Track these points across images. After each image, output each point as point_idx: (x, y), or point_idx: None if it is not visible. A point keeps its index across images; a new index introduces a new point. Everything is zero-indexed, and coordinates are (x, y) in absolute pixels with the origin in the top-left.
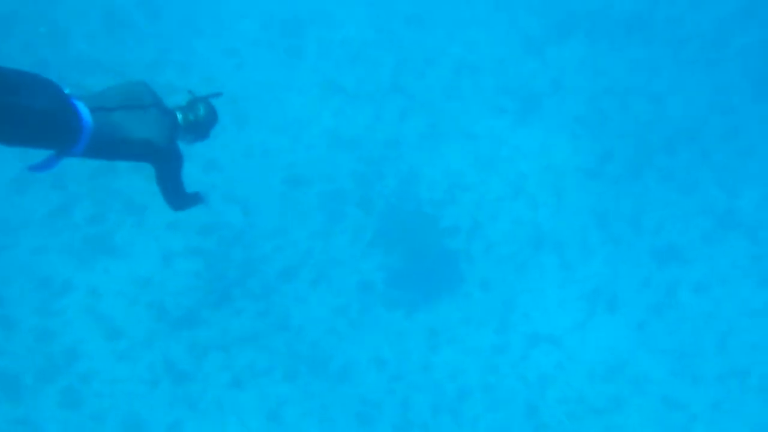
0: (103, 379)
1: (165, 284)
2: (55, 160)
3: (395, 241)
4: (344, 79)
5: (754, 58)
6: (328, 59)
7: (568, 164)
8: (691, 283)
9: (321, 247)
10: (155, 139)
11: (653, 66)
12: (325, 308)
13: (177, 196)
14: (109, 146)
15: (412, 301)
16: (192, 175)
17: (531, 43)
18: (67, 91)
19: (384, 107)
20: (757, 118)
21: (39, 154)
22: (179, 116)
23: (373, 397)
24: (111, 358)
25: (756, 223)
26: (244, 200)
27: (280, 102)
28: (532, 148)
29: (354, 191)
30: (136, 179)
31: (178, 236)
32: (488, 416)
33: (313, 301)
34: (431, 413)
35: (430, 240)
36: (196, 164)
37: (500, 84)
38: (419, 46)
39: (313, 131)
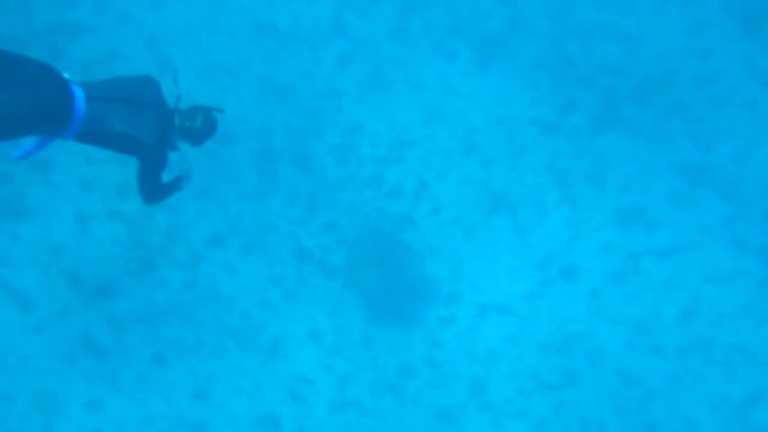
0: (14, 353)
1: (81, 251)
2: (41, 144)
3: (334, 204)
4: (278, 19)
5: None
6: None
7: (525, 116)
8: (655, 249)
9: (253, 211)
10: (143, 137)
11: (623, 2)
12: (257, 278)
13: (152, 191)
14: (97, 136)
15: (351, 270)
16: None
17: None
18: (66, 75)
19: (322, 52)
20: (737, 60)
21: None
22: (176, 120)
23: (308, 373)
24: (22, 332)
25: (729, 179)
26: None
27: (204, 46)
28: (485, 98)
29: (289, 148)
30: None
31: (95, 197)
32: (431, 393)
33: (244, 270)
34: (370, 391)
35: (372, 203)
36: None
37: (452, 25)
38: None
39: (243, 80)
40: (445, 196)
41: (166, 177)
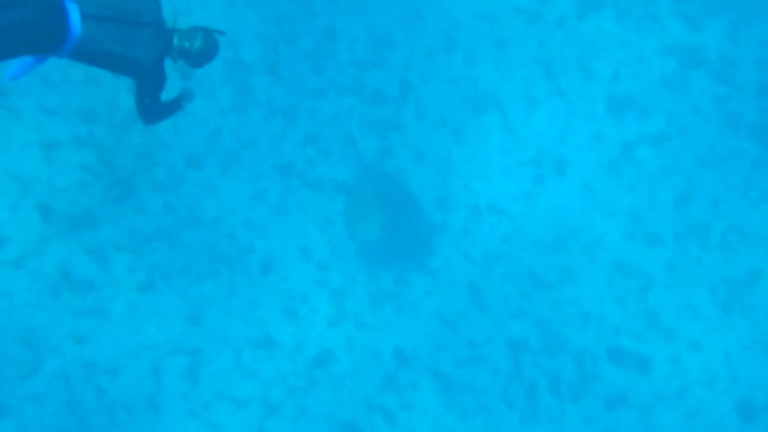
0: None
1: (52, 181)
2: (35, 63)
3: (315, 112)
4: None
5: None
6: None
7: (507, 5)
8: (648, 136)
9: (231, 126)
10: (140, 58)
11: None
12: (241, 195)
13: (151, 112)
14: (93, 55)
15: (338, 181)
16: None
17: None
18: None
19: None
20: None
21: None
22: (175, 40)
23: (303, 289)
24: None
25: (721, 58)
26: None
27: None
28: None
29: (263, 56)
30: None
31: (60, 123)
32: (430, 300)
33: (227, 188)
34: (368, 303)
35: (355, 109)
36: None
37: None
38: None
39: None
40: (430, 97)
41: (165, 96)
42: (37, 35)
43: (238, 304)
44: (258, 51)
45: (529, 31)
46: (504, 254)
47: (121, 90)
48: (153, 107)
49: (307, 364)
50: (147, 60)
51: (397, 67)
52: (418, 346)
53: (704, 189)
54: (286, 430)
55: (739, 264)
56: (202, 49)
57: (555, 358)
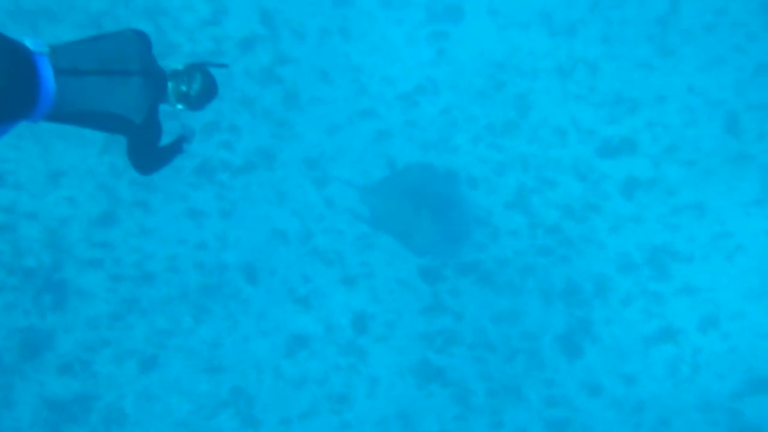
0: None
1: None
2: (3, 131)
3: None
4: None
5: None
6: None
7: None
8: None
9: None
10: (130, 114)
11: None
12: (170, 225)
13: (148, 162)
14: (73, 117)
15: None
16: None
17: None
18: (29, 44)
19: None
20: None
21: None
22: (170, 85)
23: (298, 272)
24: None
25: None
26: None
27: None
28: None
29: None
30: None
31: None
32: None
33: (158, 224)
34: (357, 250)
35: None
36: None
37: None
38: None
39: None
40: (297, 16)
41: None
42: (1, 99)
43: (247, 326)
44: None
45: None
46: (456, 113)
47: None
48: (150, 157)
49: (348, 337)
50: (138, 114)
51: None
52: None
53: None
54: (369, 411)
55: None
56: (203, 90)
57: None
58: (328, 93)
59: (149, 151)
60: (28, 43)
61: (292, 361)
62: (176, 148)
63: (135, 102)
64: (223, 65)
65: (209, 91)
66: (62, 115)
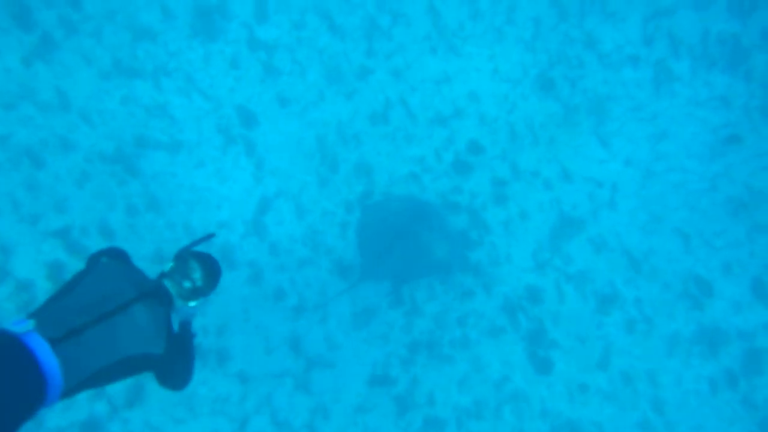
0: None
1: None
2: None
3: None
4: None
5: None
6: None
7: None
8: None
9: None
10: (150, 348)
11: None
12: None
13: (182, 377)
14: (93, 380)
15: None
16: None
17: None
18: (14, 327)
19: None
20: None
21: None
22: (172, 291)
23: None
24: None
25: None
26: None
27: None
28: None
29: None
30: None
31: None
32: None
33: None
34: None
35: None
36: None
37: None
38: None
39: None
40: None
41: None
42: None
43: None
44: None
45: None
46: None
47: None
48: (182, 368)
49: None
50: (159, 343)
51: None
52: None
53: None
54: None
55: None
56: (207, 273)
57: None
58: None
59: (180, 367)
60: (8, 325)
61: (319, 375)
62: (188, 337)
63: (148, 332)
64: (210, 236)
65: (213, 270)
66: (80, 384)
